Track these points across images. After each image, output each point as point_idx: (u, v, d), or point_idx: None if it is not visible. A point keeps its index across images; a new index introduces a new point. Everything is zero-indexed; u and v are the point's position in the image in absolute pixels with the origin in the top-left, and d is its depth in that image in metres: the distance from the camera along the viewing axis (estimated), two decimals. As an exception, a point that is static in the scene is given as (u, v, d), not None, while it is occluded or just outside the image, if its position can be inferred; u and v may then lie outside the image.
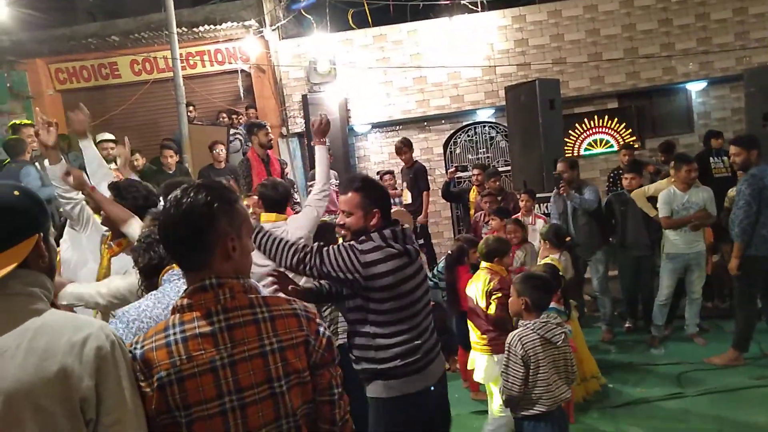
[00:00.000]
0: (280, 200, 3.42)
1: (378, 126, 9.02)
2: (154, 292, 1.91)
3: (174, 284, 1.90)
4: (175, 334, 1.36)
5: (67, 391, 1.16)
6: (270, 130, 6.17)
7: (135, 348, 1.36)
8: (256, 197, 3.38)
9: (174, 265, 1.94)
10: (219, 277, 1.41)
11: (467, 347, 4.41)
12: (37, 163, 5.96)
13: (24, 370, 1.14)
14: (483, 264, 3.95)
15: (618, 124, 8.85)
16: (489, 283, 3.75)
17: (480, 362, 3.82)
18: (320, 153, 3.43)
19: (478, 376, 3.86)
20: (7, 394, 1.13)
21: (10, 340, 1.17)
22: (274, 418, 1.40)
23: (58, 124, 3.31)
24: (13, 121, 6.69)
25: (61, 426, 1.16)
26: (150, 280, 2.00)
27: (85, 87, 8.86)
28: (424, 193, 7.05)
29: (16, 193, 1.29)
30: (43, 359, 1.16)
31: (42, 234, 1.31)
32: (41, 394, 1.14)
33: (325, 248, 2.37)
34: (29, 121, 6.49)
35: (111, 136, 6.66)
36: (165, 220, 1.44)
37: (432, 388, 2.47)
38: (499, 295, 3.65)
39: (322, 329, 1.52)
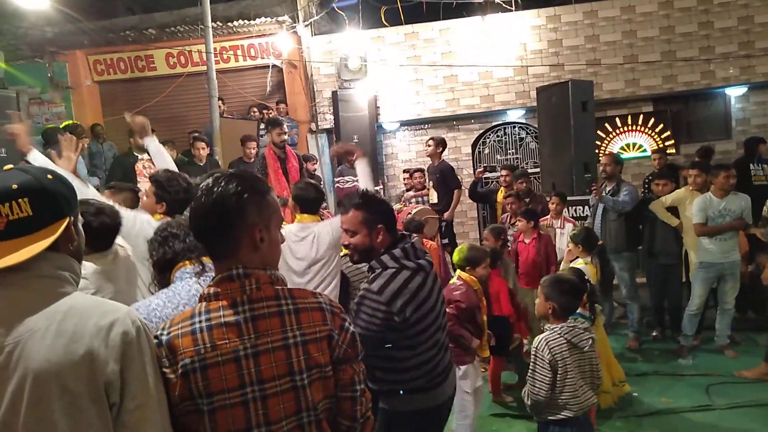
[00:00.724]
0: (314, 201, 3.44)
1: (406, 124, 9.01)
2: (165, 290, 1.88)
3: (185, 282, 1.87)
4: (200, 322, 1.37)
5: (93, 374, 1.18)
6: (285, 129, 6.11)
7: (161, 334, 1.37)
8: None
9: (187, 261, 1.92)
10: (246, 267, 1.41)
11: (498, 353, 4.36)
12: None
13: (53, 351, 1.16)
14: (456, 272, 3.78)
15: (652, 129, 8.66)
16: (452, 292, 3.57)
17: None
18: (361, 168, 3.49)
19: None
20: (36, 374, 1.15)
21: (40, 321, 1.19)
22: (294, 411, 1.39)
23: (100, 125, 3.43)
24: (67, 122, 6.88)
25: (85, 408, 1.17)
26: (162, 274, 1.97)
27: (122, 78, 9.08)
28: (455, 191, 7.00)
29: (50, 176, 1.31)
30: (71, 341, 1.17)
31: (72, 218, 1.32)
32: (68, 376, 1.16)
33: (356, 327, 2.25)
34: (79, 131, 6.59)
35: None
36: (196, 208, 1.45)
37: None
38: (452, 309, 3.44)
39: (346, 324, 1.51)
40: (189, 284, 1.85)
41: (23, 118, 3.51)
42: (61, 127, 6.56)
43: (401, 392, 2.30)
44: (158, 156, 3.57)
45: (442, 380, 2.39)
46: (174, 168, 3.50)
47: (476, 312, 3.56)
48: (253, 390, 1.35)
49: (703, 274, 5.16)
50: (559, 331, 2.83)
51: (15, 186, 1.24)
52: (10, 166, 1.32)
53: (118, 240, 2.50)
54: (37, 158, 3.16)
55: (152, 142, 3.58)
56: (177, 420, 1.33)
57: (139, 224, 2.88)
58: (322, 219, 3.65)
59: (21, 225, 1.24)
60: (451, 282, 3.70)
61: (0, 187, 1.24)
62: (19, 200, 1.23)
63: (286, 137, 6.07)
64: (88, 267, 2.32)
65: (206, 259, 1.90)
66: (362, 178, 3.48)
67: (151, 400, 1.25)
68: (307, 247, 3.30)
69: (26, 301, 1.22)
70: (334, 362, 1.47)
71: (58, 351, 1.16)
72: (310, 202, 3.43)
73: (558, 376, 2.77)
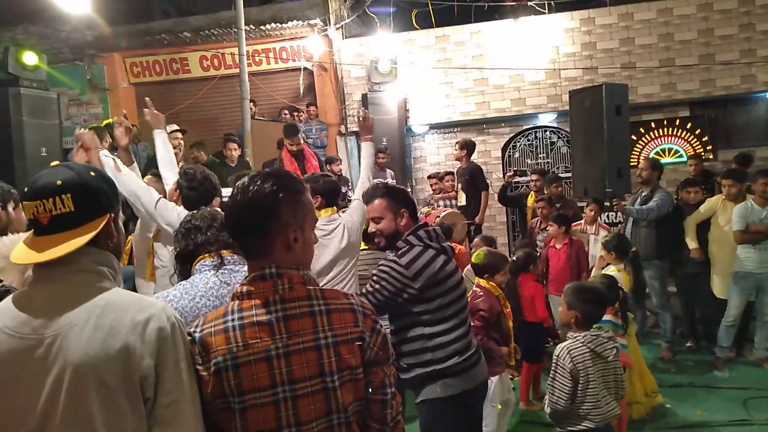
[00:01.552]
0: (325, 193, 3.34)
1: (436, 127, 8.98)
2: (183, 282, 1.90)
3: (204, 275, 1.88)
4: (233, 320, 1.37)
5: (128, 369, 1.20)
6: (299, 140, 6.17)
7: (195, 331, 1.38)
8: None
9: (207, 255, 1.93)
10: (279, 267, 1.41)
11: (531, 359, 4.30)
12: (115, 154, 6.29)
13: (91, 345, 1.19)
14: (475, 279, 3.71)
15: (689, 134, 8.44)
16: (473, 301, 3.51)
17: None
18: (367, 150, 3.61)
19: None
20: (75, 367, 1.18)
21: (79, 314, 1.22)
22: (325, 412, 1.39)
23: (136, 126, 3.52)
24: (108, 120, 7.07)
25: (121, 402, 1.20)
26: (184, 265, 1.99)
27: (157, 81, 9.28)
28: (483, 192, 6.94)
29: (92, 173, 1.34)
30: (108, 336, 1.20)
31: (113, 215, 1.36)
32: (105, 370, 1.18)
33: (368, 287, 2.41)
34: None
35: (176, 127, 6.93)
36: (231, 206, 1.46)
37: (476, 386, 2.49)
38: (477, 320, 3.39)
39: (378, 326, 1.50)
40: (207, 277, 1.87)
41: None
42: (102, 125, 6.73)
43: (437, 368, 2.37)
44: (161, 148, 3.58)
45: (476, 361, 2.48)
46: (175, 164, 3.57)
47: (501, 319, 3.51)
48: (284, 390, 1.35)
49: (740, 285, 5.01)
50: (582, 340, 2.78)
51: (59, 182, 1.28)
52: (56, 162, 1.37)
53: None
54: (107, 155, 3.24)
55: (160, 134, 3.61)
56: (209, 417, 1.34)
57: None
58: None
59: (64, 220, 1.27)
60: (470, 292, 3.63)
61: (45, 183, 1.28)
62: (63, 196, 1.27)
63: (296, 148, 6.12)
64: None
65: (226, 253, 1.92)
66: (363, 160, 3.57)
67: (184, 397, 1.26)
68: (338, 241, 3.26)
69: (66, 295, 1.25)
70: (365, 364, 1.46)
71: (96, 345, 1.19)
72: (328, 194, 3.37)
73: (579, 385, 2.72)
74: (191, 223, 2.01)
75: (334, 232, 3.24)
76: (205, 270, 1.90)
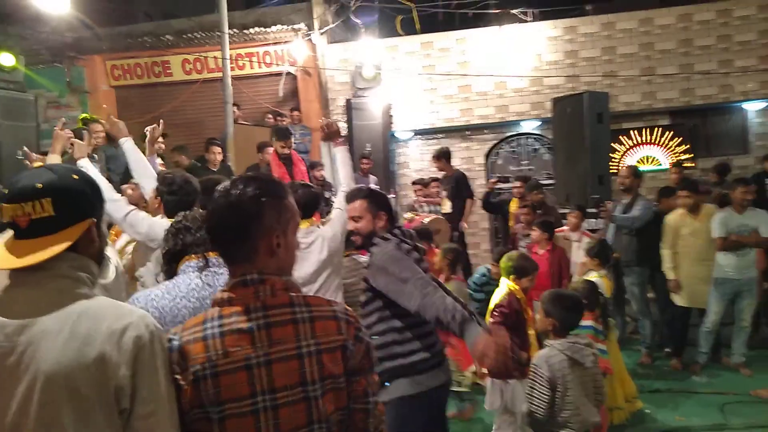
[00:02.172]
0: (302, 204, 3.29)
1: (420, 133, 9.00)
2: (166, 282, 1.91)
3: (187, 276, 1.89)
4: (213, 327, 1.34)
5: (104, 379, 1.17)
6: (290, 143, 6.13)
7: (173, 339, 1.35)
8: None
9: (193, 256, 1.94)
10: (261, 273, 1.39)
11: None
12: (95, 155, 6.20)
13: (64, 354, 1.15)
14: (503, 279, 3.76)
15: (669, 142, 8.56)
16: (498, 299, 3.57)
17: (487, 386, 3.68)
18: (342, 155, 3.46)
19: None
20: (47, 377, 1.14)
21: (53, 322, 1.18)
22: (306, 422, 1.36)
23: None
24: (84, 115, 6.97)
25: (95, 412, 1.16)
26: (170, 265, 2.00)
27: (138, 84, 9.17)
28: (468, 200, 6.96)
29: (75, 176, 1.31)
30: (83, 344, 1.17)
31: (95, 220, 1.32)
32: (79, 379, 1.15)
33: (417, 281, 2.36)
34: (97, 118, 6.72)
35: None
36: (213, 210, 1.43)
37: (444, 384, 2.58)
38: (496, 316, 3.46)
39: (361, 334, 1.47)
40: (190, 278, 1.88)
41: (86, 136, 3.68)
42: (79, 118, 6.65)
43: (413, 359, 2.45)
44: (131, 156, 3.46)
45: (443, 358, 2.61)
46: (151, 170, 3.47)
47: (522, 322, 3.50)
48: (264, 399, 1.32)
49: (719, 291, 5.08)
50: (560, 347, 2.78)
51: (40, 185, 1.25)
52: (39, 163, 1.33)
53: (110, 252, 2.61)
54: (84, 165, 3.13)
55: (126, 142, 3.49)
56: (187, 427, 1.31)
57: (158, 229, 2.89)
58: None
59: (43, 224, 1.24)
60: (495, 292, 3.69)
61: (25, 185, 1.25)
62: (43, 200, 1.24)
63: (287, 151, 6.08)
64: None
65: (212, 254, 1.92)
66: (341, 168, 3.45)
67: (162, 407, 1.23)
68: (317, 253, 3.21)
69: (42, 301, 1.22)
70: (348, 373, 1.43)
71: (70, 354, 1.16)
72: (305, 206, 3.21)
73: (558, 393, 2.72)
74: (181, 224, 2.03)
75: (312, 246, 3.17)
76: (189, 271, 1.90)
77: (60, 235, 1.24)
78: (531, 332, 3.58)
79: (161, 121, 3.92)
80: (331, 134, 3.48)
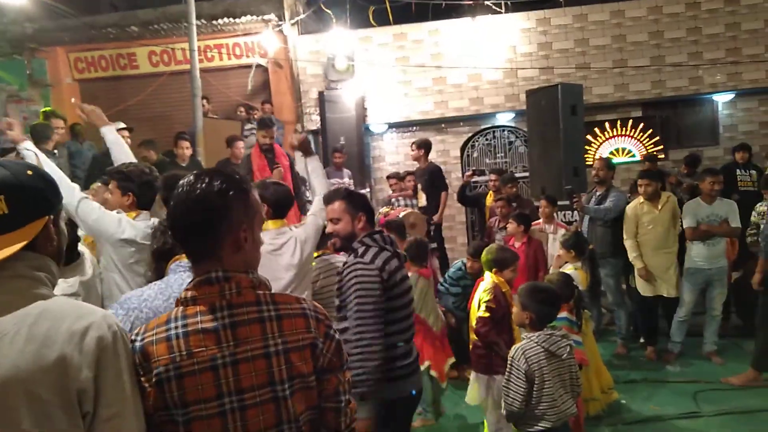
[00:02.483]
0: (274, 202, 3.06)
1: (395, 126, 8.93)
2: (158, 282, 1.88)
3: (179, 275, 1.86)
4: (176, 328, 1.30)
5: (65, 381, 1.12)
6: (272, 133, 5.95)
7: (135, 340, 1.30)
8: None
9: (183, 255, 1.88)
10: (226, 270, 1.35)
11: None
12: (56, 151, 5.99)
13: (22, 357, 1.11)
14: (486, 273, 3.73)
15: (641, 134, 8.65)
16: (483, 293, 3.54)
17: (472, 380, 3.70)
18: (314, 165, 3.43)
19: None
20: (4, 381, 1.09)
21: (10, 324, 1.13)
22: (275, 422, 1.33)
23: (79, 124, 3.39)
24: (46, 108, 6.72)
25: (56, 416, 1.11)
26: (158, 263, 1.98)
27: (103, 77, 8.89)
28: (443, 193, 6.91)
29: (29, 172, 1.25)
30: (42, 346, 1.12)
31: (52, 217, 1.28)
32: (38, 383, 1.10)
33: (354, 310, 2.40)
34: (60, 114, 6.50)
35: (123, 125, 6.63)
36: (176, 206, 1.37)
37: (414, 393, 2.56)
38: (485, 312, 3.44)
39: (331, 332, 1.45)
40: (182, 277, 1.83)
41: (12, 113, 3.56)
42: (40, 111, 6.43)
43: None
44: (116, 146, 3.43)
45: (417, 367, 2.60)
46: (133, 160, 3.40)
47: (508, 317, 3.47)
48: (231, 401, 1.29)
49: (691, 281, 5.13)
50: (536, 340, 2.79)
51: None
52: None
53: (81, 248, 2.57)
54: (29, 148, 3.07)
55: (110, 132, 3.44)
56: (152, 430, 1.27)
57: (125, 226, 2.79)
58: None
59: None
60: (480, 284, 3.68)
61: None
62: None
63: (269, 141, 5.93)
64: (71, 281, 2.41)
65: None
66: (314, 179, 3.40)
67: (126, 409, 1.19)
68: (289, 255, 3.03)
69: None
70: (318, 372, 1.40)
71: (28, 357, 1.11)
72: (277, 204, 3.06)
73: (535, 386, 2.72)
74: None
75: (284, 246, 3.00)
76: (180, 270, 1.86)
77: (15, 234, 1.19)
78: (515, 326, 3.55)
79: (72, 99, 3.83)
80: (302, 148, 3.50)
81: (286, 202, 3.15)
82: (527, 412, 2.74)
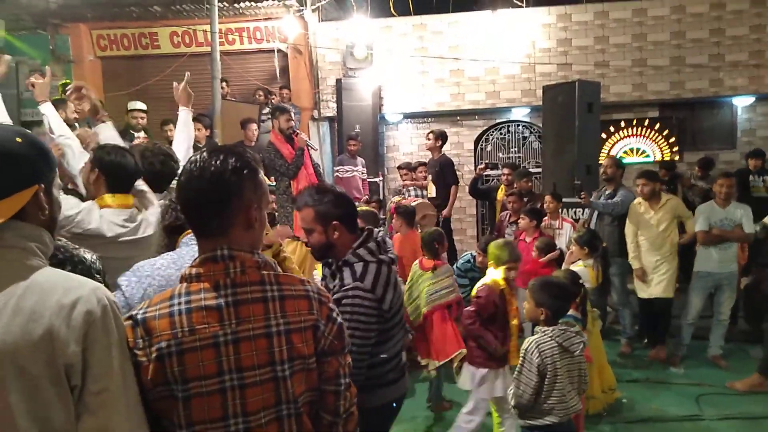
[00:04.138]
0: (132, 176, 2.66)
1: (410, 116, 8.93)
2: (171, 252, 1.89)
3: (191, 248, 1.84)
4: (180, 304, 1.31)
5: (52, 356, 1.11)
6: (292, 116, 6.03)
7: (137, 314, 1.31)
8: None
9: None
10: (231, 249, 1.35)
11: None
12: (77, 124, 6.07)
13: (9, 331, 1.10)
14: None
15: (657, 134, 8.59)
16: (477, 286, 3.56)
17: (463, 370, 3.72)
18: (184, 117, 3.49)
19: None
20: None
21: None
22: (274, 402, 1.34)
23: (101, 101, 3.37)
24: (64, 81, 6.79)
25: (44, 390, 1.12)
26: (170, 238, 1.99)
27: (125, 55, 8.96)
28: (453, 187, 6.93)
29: (19, 140, 1.21)
30: (29, 320, 1.11)
31: (44, 185, 1.24)
32: (25, 357, 1.10)
33: (349, 335, 2.13)
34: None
35: (143, 106, 6.71)
36: (188, 184, 1.38)
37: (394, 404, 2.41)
38: (472, 305, 3.47)
39: (334, 314, 1.46)
40: (194, 250, 1.78)
41: (47, 74, 3.52)
42: (59, 84, 6.48)
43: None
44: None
45: (404, 371, 2.44)
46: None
47: (499, 312, 3.49)
48: (231, 378, 1.30)
49: (701, 284, 5.12)
50: (551, 335, 2.79)
51: None
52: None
53: None
54: (48, 112, 3.08)
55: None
56: (150, 405, 1.28)
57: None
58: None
59: None
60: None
61: None
62: None
63: (293, 124, 5.99)
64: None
65: None
66: (182, 133, 3.43)
67: (114, 384, 1.18)
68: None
69: None
70: (319, 354, 1.41)
71: (15, 330, 1.10)
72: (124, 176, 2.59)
73: (547, 380, 2.73)
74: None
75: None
76: (192, 243, 1.83)
77: (4, 203, 1.16)
78: (514, 322, 3.58)
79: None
80: (183, 96, 3.50)
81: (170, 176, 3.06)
82: (535, 405, 2.75)
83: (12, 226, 1.18)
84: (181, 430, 1.29)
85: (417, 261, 4.27)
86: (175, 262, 1.83)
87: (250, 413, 1.32)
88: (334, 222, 2.20)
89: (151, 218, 2.60)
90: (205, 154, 1.39)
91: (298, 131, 6.00)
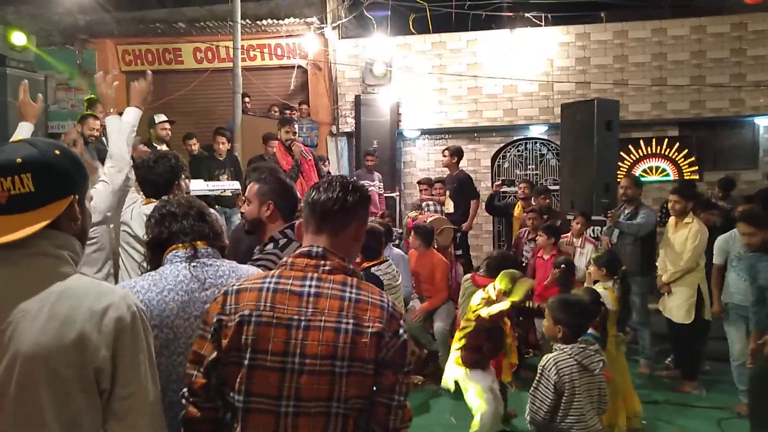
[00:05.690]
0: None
1: (427, 133, 8.98)
2: (152, 273, 1.79)
3: (175, 267, 1.77)
4: (269, 282, 1.47)
5: (83, 360, 1.15)
6: (294, 129, 6.16)
7: (234, 285, 1.49)
8: None
9: (180, 245, 1.82)
10: (326, 249, 1.50)
11: None
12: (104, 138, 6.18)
13: (44, 335, 1.14)
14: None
15: (677, 153, 8.53)
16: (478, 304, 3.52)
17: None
18: (130, 115, 3.06)
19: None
20: (25, 357, 1.13)
21: (33, 302, 1.16)
22: (326, 396, 1.40)
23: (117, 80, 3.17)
24: (90, 96, 6.95)
25: (74, 393, 1.15)
26: (154, 254, 1.87)
27: (149, 70, 9.14)
28: (473, 201, 6.92)
29: (57, 152, 1.26)
30: (63, 325, 1.15)
31: (77, 196, 1.29)
32: (58, 360, 1.14)
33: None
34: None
35: (165, 117, 6.84)
36: (331, 185, 1.58)
37: None
38: (469, 328, 3.48)
39: (401, 330, 1.48)
40: (177, 269, 1.76)
41: (40, 101, 3.29)
42: (84, 100, 6.64)
43: None
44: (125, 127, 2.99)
45: None
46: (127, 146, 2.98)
47: (493, 329, 3.48)
48: (294, 361, 1.40)
49: (733, 317, 4.70)
50: (570, 352, 2.75)
51: (19, 159, 1.21)
52: (20, 137, 1.30)
53: None
54: (23, 129, 2.80)
55: (132, 112, 3.13)
56: (220, 370, 1.44)
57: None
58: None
59: (23, 200, 1.20)
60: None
61: (4, 160, 1.21)
62: (22, 175, 1.20)
63: (292, 136, 6.08)
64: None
65: (200, 244, 1.83)
66: (124, 124, 2.95)
67: (142, 389, 1.23)
68: None
69: (23, 280, 1.19)
70: (378, 363, 1.44)
71: (49, 334, 1.14)
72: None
73: (564, 398, 2.69)
74: (166, 209, 1.88)
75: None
76: (176, 261, 1.78)
77: (40, 211, 1.20)
78: (508, 341, 3.56)
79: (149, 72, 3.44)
80: (138, 91, 3.11)
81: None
82: (553, 423, 2.72)
83: (47, 234, 1.22)
84: (239, 399, 1.41)
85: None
86: (156, 284, 1.72)
87: (303, 399, 1.39)
88: (270, 202, 2.40)
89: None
90: (339, 176, 1.71)
91: (295, 142, 6.09)
